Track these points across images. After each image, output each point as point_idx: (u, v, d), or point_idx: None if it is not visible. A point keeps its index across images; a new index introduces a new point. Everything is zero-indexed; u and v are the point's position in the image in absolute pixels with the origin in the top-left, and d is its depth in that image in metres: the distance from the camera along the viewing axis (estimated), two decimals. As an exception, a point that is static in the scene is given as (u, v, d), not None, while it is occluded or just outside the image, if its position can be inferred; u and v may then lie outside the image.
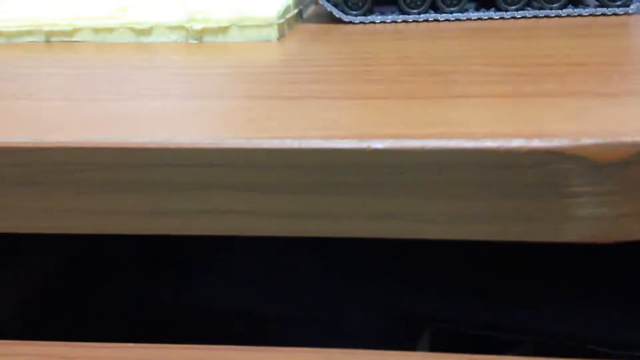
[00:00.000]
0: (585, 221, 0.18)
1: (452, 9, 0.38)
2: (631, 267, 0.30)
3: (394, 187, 0.19)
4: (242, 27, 0.34)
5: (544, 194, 0.18)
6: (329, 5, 0.38)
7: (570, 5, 0.37)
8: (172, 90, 0.27)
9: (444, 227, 0.19)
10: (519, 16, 0.37)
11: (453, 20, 0.38)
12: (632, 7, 0.36)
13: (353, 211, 0.19)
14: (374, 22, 0.38)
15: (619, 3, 0.36)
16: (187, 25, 0.34)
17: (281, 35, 0.35)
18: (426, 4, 0.38)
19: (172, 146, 0.20)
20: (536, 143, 0.18)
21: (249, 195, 0.20)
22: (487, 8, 0.38)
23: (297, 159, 0.19)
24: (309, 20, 0.40)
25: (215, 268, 0.36)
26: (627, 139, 0.18)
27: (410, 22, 0.38)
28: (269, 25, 0.34)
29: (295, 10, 0.39)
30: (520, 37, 0.33)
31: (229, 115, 0.23)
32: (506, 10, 0.37)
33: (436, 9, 0.38)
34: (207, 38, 0.35)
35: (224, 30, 0.34)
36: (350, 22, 0.39)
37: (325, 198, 0.19)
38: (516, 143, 0.18)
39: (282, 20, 0.35)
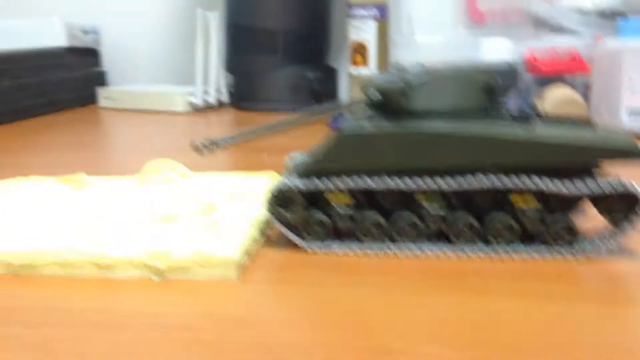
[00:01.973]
0: None
1: (406, 240, 0.40)
2: None
3: None
4: (202, 267, 0.36)
5: None
6: (293, 235, 0.40)
7: (518, 242, 0.39)
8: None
9: None
10: (470, 252, 0.39)
11: (407, 252, 0.39)
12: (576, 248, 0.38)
13: None
14: (332, 251, 0.40)
15: (565, 245, 0.38)
16: (149, 263, 0.36)
17: (241, 272, 0.36)
18: (383, 235, 0.40)
19: None
20: None
21: None
22: (441, 241, 0.40)
23: None
24: (274, 242, 0.42)
25: None
26: None
27: (367, 252, 0.40)
28: (229, 265, 0.36)
29: (259, 238, 0.40)
30: (462, 297, 0.34)
31: None
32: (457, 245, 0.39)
33: (393, 241, 0.40)
34: (169, 275, 0.36)
35: (185, 269, 0.36)
36: (310, 250, 0.40)
37: None
38: None
39: (242, 259, 0.37)
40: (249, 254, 0.38)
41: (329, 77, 1.18)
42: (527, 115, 0.44)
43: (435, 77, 0.38)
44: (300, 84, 1.13)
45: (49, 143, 0.84)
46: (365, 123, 0.39)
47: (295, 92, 1.13)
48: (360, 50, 1.08)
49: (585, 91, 0.93)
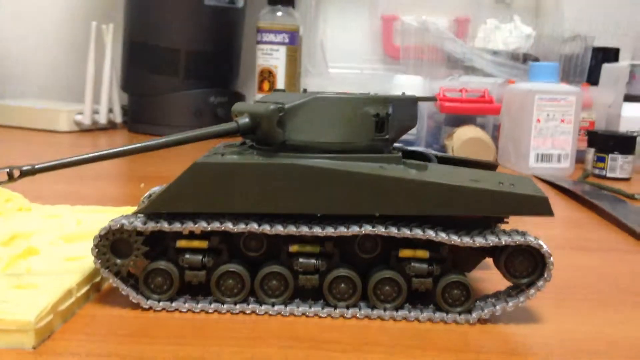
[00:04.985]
0: None
1: (273, 300, 0.32)
2: None
3: None
4: (-14, 331, 0.26)
5: None
6: (126, 288, 0.32)
7: (406, 305, 0.32)
8: None
9: None
10: (349, 315, 0.32)
11: (274, 315, 0.32)
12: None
13: None
14: (179, 310, 0.32)
15: (459, 309, 0.32)
16: None
17: (42, 340, 0.27)
18: (244, 292, 0.32)
19: None
20: None
21: None
22: (315, 301, 0.33)
23: None
24: (107, 296, 0.33)
25: None
26: None
27: (224, 312, 0.32)
28: (24, 331, 0.26)
29: (84, 289, 0.31)
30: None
31: None
32: (335, 307, 0.32)
33: (256, 299, 0.32)
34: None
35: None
36: (150, 309, 0.32)
37: None
38: None
39: (44, 323, 0.27)
40: (61, 315, 0.29)
41: (235, 103, 1.10)
42: (426, 155, 0.38)
43: (318, 103, 0.32)
44: (202, 108, 1.05)
45: None
46: (228, 153, 0.32)
47: (197, 117, 1.05)
48: (268, 77, 1.02)
49: (495, 132, 0.90)
